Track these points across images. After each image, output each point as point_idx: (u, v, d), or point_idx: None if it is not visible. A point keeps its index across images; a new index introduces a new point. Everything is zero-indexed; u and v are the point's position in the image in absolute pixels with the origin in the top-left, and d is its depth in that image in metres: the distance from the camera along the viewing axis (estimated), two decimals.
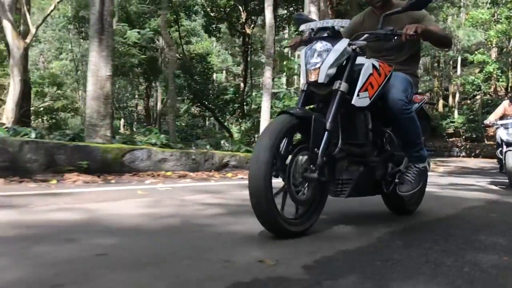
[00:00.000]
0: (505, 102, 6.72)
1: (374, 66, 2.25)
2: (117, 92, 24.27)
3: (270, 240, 1.87)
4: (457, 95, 28.53)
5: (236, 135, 21.41)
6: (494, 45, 25.04)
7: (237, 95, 23.82)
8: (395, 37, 2.28)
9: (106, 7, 5.49)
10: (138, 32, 15.83)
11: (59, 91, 21.90)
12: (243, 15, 22.91)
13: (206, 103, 23.67)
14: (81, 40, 22.68)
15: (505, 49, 25.63)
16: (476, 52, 24.48)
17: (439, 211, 3.11)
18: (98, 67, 5.52)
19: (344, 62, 2.16)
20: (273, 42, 10.06)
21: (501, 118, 6.33)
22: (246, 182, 1.87)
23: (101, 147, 4.44)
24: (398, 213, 2.81)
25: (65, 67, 27.43)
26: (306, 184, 2.02)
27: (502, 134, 5.87)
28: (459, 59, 26.77)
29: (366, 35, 2.33)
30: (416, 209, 2.95)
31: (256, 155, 1.85)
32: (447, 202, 3.72)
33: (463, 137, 26.60)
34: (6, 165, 3.65)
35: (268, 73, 9.19)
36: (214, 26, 24.80)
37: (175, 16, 21.80)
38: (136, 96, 28.50)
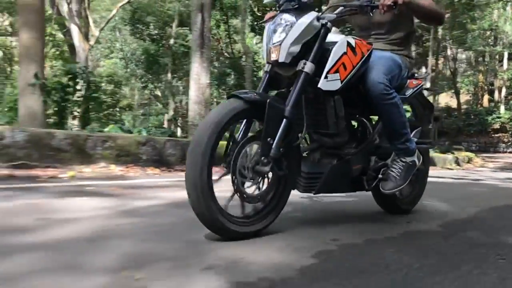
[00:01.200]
0: None
1: (349, 44, 1.97)
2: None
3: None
4: (504, 90, 28.25)
5: None
6: None
7: None
8: (373, 10, 2.00)
9: (206, 24, 6.43)
10: None
11: (116, 89, 23.34)
12: None
13: None
14: (133, 39, 24.13)
15: None
16: None
17: None
18: (199, 76, 6.48)
19: (313, 39, 1.90)
20: None
21: None
22: None
23: None
24: (390, 212, 2.61)
25: (116, 65, 29.01)
26: (260, 179, 1.83)
27: None
28: (506, 53, 26.53)
29: (340, 8, 2.08)
30: (412, 208, 2.70)
31: (192, 146, 1.66)
32: None
33: (510, 132, 26.39)
34: (156, 158, 4.65)
35: None
36: (259, 24, 25.64)
37: (224, 17, 22.86)
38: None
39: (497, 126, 26.96)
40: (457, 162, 10.29)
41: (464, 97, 30.94)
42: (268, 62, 1.96)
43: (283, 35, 1.87)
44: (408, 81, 2.42)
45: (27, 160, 3.63)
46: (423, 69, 25.47)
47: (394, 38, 2.33)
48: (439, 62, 25.63)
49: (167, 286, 1.22)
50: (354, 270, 1.44)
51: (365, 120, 2.25)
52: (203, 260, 1.46)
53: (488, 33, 25.90)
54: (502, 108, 27.13)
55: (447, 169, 8.95)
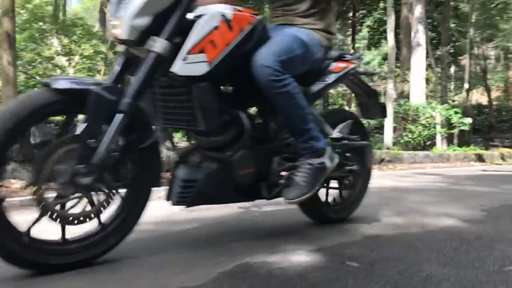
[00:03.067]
0: None
1: (223, 16, 1.52)
2: None
3: None
4: None
5: None
6: None
7: None
8: None
9: None
10: None
11: None
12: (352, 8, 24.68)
13: None
14: None
15: None
16: None
17: None
18: None
19: (173, 9, 1.46)
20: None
21: None
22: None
23: None
24: (317, 221, 2.23)
25: None
26: (87, 193, 1.40)
27: None
28: None
29: None
30: (347, 217, 2.31)
31: None
32: None
33: None
34: None
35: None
36: None
37: None
38: None
39: None
40: (503, 158, 11.40)
41: (494, 94, 31.52)
42: (113, 39, 1.48)
43: (129, 5, 1.40)
44: (334, 64, 2.01)
45: None
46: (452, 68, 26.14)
47: (306, 9, 1.87)
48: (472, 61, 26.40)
49: None
50: None
51: (251, 113, 1.81)
52: None
53: None
54: None
55: (496, 164, 10.05)
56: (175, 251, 1.68)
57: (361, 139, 2.27)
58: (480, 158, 10.34)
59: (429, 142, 10.90)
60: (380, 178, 5.34)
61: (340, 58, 2.09)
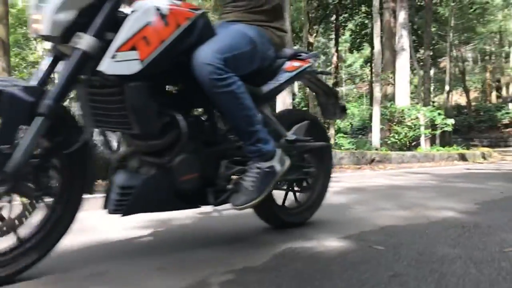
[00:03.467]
0: None
1: (158, 11, 1.42)
2: None
3: None
4: (511, 86, 29.79)
5: None
6: None
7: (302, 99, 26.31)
8: None
9: None
10: None
11: None
12: (306, 25, 25.32)
13: None
14: None
15: None
16: None
17: None
18: (284, 97, 8.17)
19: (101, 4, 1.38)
20: None
21: None
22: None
23: None
24: (273, 225, 2.15)
25: None
26: None
27: None
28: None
29: None
30: (305, 220, 2.24)
31: None
32: None
33: None
34: None
35: None
36: None
37: None
38: None
39: (506, 121, 28.42)
40: (484, 157, 11.91)
41: (472, 95, 32.48)
42: (35, 35, 1.39)
43: None
44: (288, 62, 1.95)
45: None
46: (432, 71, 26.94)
47: (256, 6, 1.79)
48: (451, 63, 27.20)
49: None
50: None
51: (197, 115, 1.75)
52: None
53: (493, 34, 27.45)
54: (510, 104, 28.55)
55: (478, 163, 10.52)
56: (229, 243, 1.93)
57: (320, 140, 2.20)
58: (462, 158, 10.81)
59: (414, 143, 11.31)
60: (374, 177, 5.67)
61: (294, 57, 2.01)
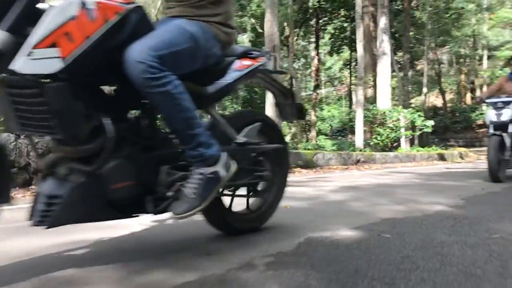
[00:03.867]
0: (503, 78, 5.87)
1: (83, 4, 1.31)
2: None
3: None
4: (484, 87, 30.80)
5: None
6: None
7: None
8: None
9: (278, 61, 8.38)
10: None
11: None
12: (287, 29, 25.74)
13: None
14: None
15: None
16: (502, 48, 26.77)
17: None
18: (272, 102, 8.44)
19: None
20: None
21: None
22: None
23: (308, 152, 7.36)
24: (224, 232, 2.05)
25: None
26: None
27: (490, 114, 5.17)
28: (485, 54, 29.09)
29: None
30: (258, 226, 2.14)
31: None
32: None
33: None
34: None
35: None
36: (259, 40, 27.76)
37: None
38: None
39: (480, 122, 29.37)
40: (461, 157, 12.43)
41: (448, 96, 33.45)
42: None
43: None
44: (237, 61, 1.86)
45: None
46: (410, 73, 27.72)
47: (201, 0, 1.70)
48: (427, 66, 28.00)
49: None
50: None
51: (137, 117, 1.64)
52: None
53: (467, 37, 28.36)
54: (484, 105, 29.49)
55: (456, 163, 11.00)
56: (255, 234, 2.12)
57: (275, 142, 2.12)
58: (441, 157, 11.28)
59: (395, 144, 11.74)
60: (362, 177, 5.98)
61: (245, 55, 1.91)
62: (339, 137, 28.12)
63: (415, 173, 6.83)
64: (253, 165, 2.02)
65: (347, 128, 28.82)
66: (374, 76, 12.95)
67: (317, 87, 25.68)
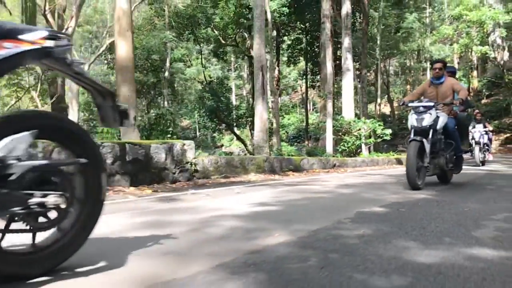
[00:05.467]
0: (426, 83, 5.80)
1: None
2: None
3: None
4: None
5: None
6: (458, 57, 30.19)
7: (247, 110, 28.00)
8: None
9: (265, 79, 9.62)
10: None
11: None
12: (248, 41, 27.09)
13: (224, 118, 27.76)
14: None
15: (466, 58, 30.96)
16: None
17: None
18: (262, 114, 9.64)
19: None
20: None
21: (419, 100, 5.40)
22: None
23: (296, 158, 8.61)
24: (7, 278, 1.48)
25: None
26: None
27: (411, 119, 5.11)
28: (428, 67, 31.87)
29: None
30: (53, 267, 1.59)
31: None
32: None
33: None
34: (270, 169, 7.75)
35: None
36: (221, 50, 28.95)
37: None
38: None
39: None
40: None
41: (395, 104, 36.07)
42: None
43: None
44: None
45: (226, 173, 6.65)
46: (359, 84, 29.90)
47: None
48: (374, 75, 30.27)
49: None
50: None
51: None
52: None
53: (413, 51, 31.00)
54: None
55: None
56: (298, 218, 3.32)
57: (79, 155, 1.68)
58: (399, 161, 12.92)
59: (359, 150, 13.28)
60: (346, 178, 7.28)
61: (10, 36, 1.47)
62: (295, 143, 29.81)
63: (385, 174, 8.25)
64: (32, 188, 1.52)
65: (302, 135, 30.49)
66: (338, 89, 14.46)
67: (280, 95, 27.16)
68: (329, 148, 12.23)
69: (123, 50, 9.94)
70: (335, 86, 19.05)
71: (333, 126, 12.50)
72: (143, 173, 5.34)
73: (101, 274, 1.64)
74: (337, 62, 19.67)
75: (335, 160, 9.91)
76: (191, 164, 6.07)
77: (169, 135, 10.59)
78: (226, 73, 33.52)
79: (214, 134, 35.42)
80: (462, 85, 5.58)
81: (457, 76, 25.84)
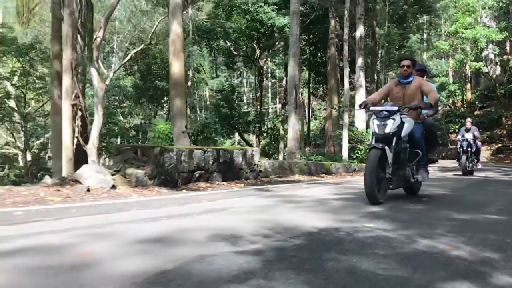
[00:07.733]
0: (393, 81, 5.17)
1: None
2: None
3: None
4: None
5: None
6: (453, 71, 32.16)
7: (256, 116, 29.85)
8: None
9: (299, 95, 11.46)
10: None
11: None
12: (257, 51, 28.97)
13: (234, 124, 29.58)
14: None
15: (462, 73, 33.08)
16: (440, 75, 31.58)
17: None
18: (294, 124, 11.50)
19: None
20: None
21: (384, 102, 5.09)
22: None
23: (326, 163, 10.45)
24: None
25: None
26: None
27: (372, 124, 4.54)
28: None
29: None
30: None
31: None
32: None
33: None
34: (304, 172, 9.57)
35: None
36: (231, 60, 30.84)
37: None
38: None
39: None
40: None
41: None
42: None
43: None
44: None
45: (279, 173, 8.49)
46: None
47: None
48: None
49: None
50: None
51: None
52: None
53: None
54: None
55: None
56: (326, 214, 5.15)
57: None
58: None
59: None
60: None
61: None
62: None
63: None
64: None
65: (306, 141, 32.33)
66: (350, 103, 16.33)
67: (285, 105, 29.04)
68: (345, 154, 14.10)
69: (177, 68, 11.75)
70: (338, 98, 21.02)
71: (349, 136, 14.39)
72: (229, 172, 7.15)
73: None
74: (339, 75, 21.66)
75: (354, 165, 11.79)
76: (257, 165, 7.89)
77: (211, 141, 12.31)
78: (237, 82, 35.51)
79: (216, 138, 37.09)
80: (432, 86, 4.96)
81: (451, 88, 27.61)
